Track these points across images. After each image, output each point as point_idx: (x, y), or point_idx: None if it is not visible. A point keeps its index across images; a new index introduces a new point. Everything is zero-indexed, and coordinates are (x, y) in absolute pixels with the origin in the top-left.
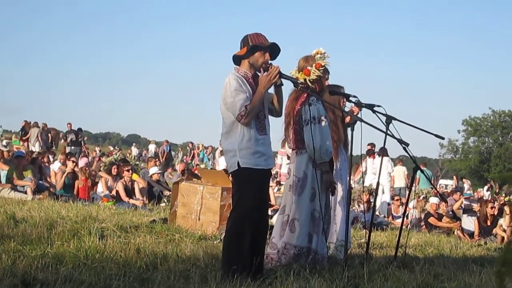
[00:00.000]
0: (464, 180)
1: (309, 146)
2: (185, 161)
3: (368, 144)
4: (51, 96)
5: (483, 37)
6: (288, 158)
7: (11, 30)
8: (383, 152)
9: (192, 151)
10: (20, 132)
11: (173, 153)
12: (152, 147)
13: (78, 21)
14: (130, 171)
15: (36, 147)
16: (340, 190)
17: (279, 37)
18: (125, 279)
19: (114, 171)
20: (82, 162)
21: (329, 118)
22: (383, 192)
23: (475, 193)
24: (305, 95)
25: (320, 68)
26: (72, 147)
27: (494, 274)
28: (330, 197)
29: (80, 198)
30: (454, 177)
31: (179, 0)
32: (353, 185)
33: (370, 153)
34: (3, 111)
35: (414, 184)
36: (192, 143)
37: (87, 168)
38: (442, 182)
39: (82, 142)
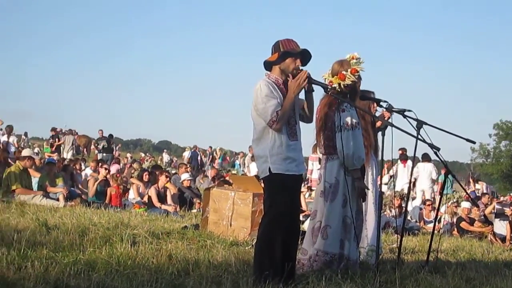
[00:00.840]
0: (480, 182)
1: (341, 152)
2: (215, 166)
3: (400, 149)
4: (79, 103)
5: None
6: (319, 163)
7: (34, 33)
8: (427, 158)
9: (211, 156)
10: (51, 139)
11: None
12: (187, 154)
13: (106, 24)
14: (168, 177)
15: (69, 155)
16: (371, 195)
17: (309, 43)
18: (157, 285)
19: (145, 177)
20: (113, 168)
21: (360, 124)
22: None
23: (507, 197)
24: (336, 101)
25: (356, 74)
26: (104, 154)
27: None
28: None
29: (112, 205)
30: (471, 179)
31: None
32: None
33: (402, 158)
34: (32, 118)
35: (445, 189)
36: (210, 147)
37: (118, 175)
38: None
39: (114, 149)
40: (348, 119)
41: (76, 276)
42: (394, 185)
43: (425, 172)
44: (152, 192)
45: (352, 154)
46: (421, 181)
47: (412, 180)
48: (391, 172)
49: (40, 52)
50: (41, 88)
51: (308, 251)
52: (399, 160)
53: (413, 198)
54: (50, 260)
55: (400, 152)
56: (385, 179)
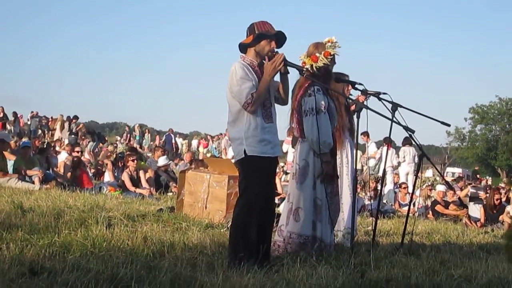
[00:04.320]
0: None
1: (308, 137)
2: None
3: (361, 134)
4: (54, 87)
5: (490, 25)
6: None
7: (22, 22)
8: (408, 141)
9: (128, 135)
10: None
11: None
12: (195, 142)
13: (85, 13)
14: (135, 161)
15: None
16: (346, 178)
17: (285, 26)
18: (132, 267)
19: (120, 163)
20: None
21: (333, 106)
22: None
23: (479, 181)
24: (307, 84)
25: (329, 57)
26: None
27: (504, 248)
28: (339, 184)
29: (82, 187)
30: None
31: None
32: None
33: (387, 141)
34: (12, 101)
35: (420, 171)
36: (128, 126)
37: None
38: (449, 170)
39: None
40: (313, 104)
41: (51, 258)
42: (378, 168)
43: (409, 155)
44: (124, 176)
45: (316, 139)
46: (405, 164)
47: (396, 164)
48: (377, 156)
49: (24, 40)
50: (22, 74)
51: (284, 231)
52: (383, 143)
53: (396, 183)
54: (25, 242)
55: (362, 136)
56: (372, 162)
